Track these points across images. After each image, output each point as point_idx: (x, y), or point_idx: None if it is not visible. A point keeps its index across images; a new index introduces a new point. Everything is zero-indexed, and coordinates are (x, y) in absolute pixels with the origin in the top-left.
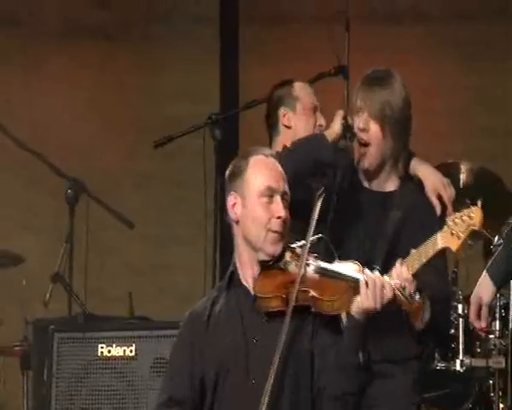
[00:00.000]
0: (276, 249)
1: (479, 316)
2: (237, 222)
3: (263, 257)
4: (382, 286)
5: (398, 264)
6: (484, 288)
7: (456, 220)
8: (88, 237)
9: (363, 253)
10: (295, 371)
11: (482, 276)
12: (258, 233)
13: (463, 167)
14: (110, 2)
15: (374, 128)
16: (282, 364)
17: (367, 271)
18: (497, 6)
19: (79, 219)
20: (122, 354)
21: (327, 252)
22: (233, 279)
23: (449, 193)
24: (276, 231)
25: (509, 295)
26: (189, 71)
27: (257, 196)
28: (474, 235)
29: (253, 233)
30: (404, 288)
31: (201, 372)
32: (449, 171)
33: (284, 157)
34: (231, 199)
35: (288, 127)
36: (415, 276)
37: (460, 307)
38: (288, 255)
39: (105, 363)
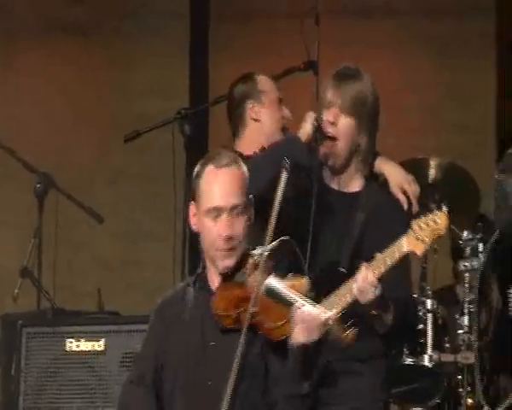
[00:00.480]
0: (227, 264)
1: None
2: (198, 232)
3: (219, 270)
4: (315, 323)
5: (363, 268)
6: None
7: (422, 225)
8: (57, 232)
9: (330, 255)
10: (249, 381)
11: None
12: (209, 249)
13: (433, 163)
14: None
15: (343, 122)
16: (238, 371)
17: (307, 304)
18: (471, 2)
19: (49, 214)
20: (91, 348)
21: (293, 255)
22: (200, 280)
23: (413, 189)
24: (222, 249)
25: (475, 289)
26: (160, 67)
27: (204, 214)
28: (439, 239)
29: (207, 248)
30: (338, 321)
31: (163, 363)
32: (418, 166)
33: (262, 159)
34: (192, 209)
35: (256, 120)
36: (379, 280)
37: (429, 302)
38: (249, 263)
39: (74, 358)
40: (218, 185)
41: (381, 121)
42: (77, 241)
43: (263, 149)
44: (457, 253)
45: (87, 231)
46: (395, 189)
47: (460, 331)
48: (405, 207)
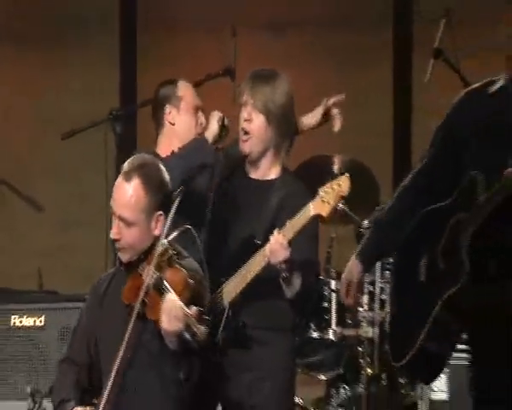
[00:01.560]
0: (121, 256)
1: (348, 294)
2: None
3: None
4: (177, 314)
5: (275, 232)
6: (353, 268)
7: (327, 189)
8: (2, 220)
9: (249, 232)
10: (144, 358)
11: (351, 260)
12: None
13: (337, 160)
14: (24, 8)
15: (256, 119)
16: (133, 351)
17: (177, 298)
18: (371, 18)
19: None
20: (32, 324)
21: (193, 242)
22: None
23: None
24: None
25: (375, 271)
26: (93, 71)
27: None
28: (342, 200)
29: None
30: (198, 317)
31: (99, 336)
32: (325, 162)
33: (173, 164)
34: None
35: (172, 124)
36: (289, 243)
37: (333, 282)
38: (151, 254)
39: (18, 332)
40: (116, 191)
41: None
42: (20, 228)
43: (172, 152)
44: (359, 238)
45: (28, 220)
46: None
47: (360, 309)
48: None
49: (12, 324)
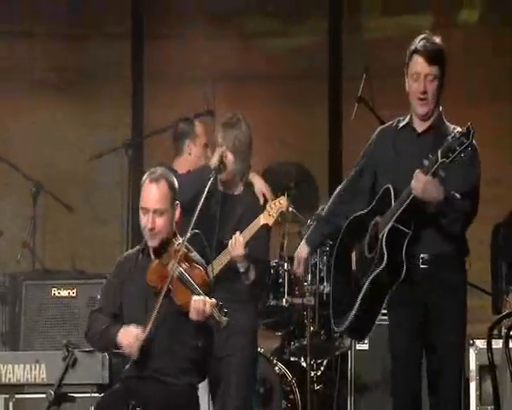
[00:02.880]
0: (151, 244)
1: (298, 267)
2: None
3: (150, 246)
4: (204, 307)
5: (236, 235)
6: (301, 249)
7: (272, 206)
8: (46, 219)
9: (220, 232)
10: (168, 330)
11: (301, 244)
12: (143, 232)
13: (291, 166)
14: (64, 64)
15: (229, 157)
16: (159, 324)
17: (201, 295)
18: (310, 72)
19: (40, 208)
20: (67, 294)
21: (201, 243)
22: (144, 253)
23: (269, 192)
24: (148, 234)
25: (316, 256)
26: (113, 112)
27: (140, 210)
28: (282, 214)
29: (143, 231)
30: (217, 308)
31: (122, 301)
32: (283, 167)
33: (186, 178)
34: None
35: (189, 153)
36: (246, 243)
37: (285, 264)
38: (171, 248)
39: (56, 301)
40: (149, 193)
41: (256, 150)
42: (58, 225)
43: (188, 171)
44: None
45: (65, 219)
46: (258, 192)
47: (305, 284)
48: (262, 202)
49: (52, 294)
